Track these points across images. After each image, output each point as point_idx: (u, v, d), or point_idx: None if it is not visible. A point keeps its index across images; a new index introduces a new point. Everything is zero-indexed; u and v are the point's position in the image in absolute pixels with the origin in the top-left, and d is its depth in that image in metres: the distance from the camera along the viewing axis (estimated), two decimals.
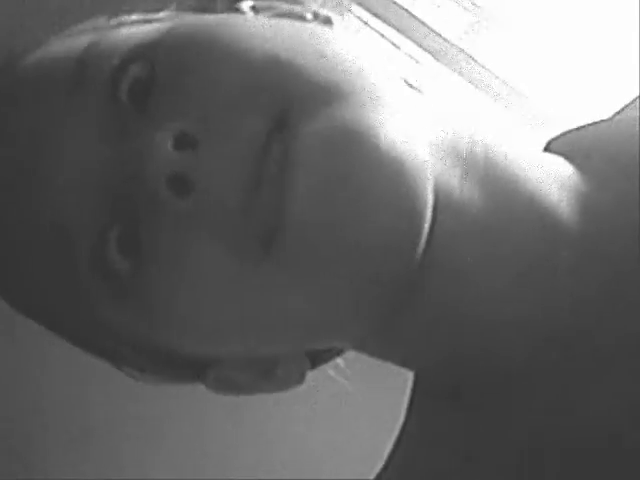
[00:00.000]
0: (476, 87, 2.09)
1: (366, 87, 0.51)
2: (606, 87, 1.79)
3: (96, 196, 0.50)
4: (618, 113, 0.63)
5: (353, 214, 0.48)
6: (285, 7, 0.59)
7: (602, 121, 0.61)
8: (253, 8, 0.59)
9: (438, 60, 2.09)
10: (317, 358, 0.59)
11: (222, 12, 0.58)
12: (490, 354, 0.53)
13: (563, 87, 1.89)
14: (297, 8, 0.59)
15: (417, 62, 2.10)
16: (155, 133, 0.48)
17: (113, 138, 0.50)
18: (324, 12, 0.59)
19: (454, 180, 0.52)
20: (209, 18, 0.55)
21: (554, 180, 0.55)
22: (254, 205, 0.48)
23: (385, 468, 0.57)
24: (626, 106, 0.63)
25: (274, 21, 0.56)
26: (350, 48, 0.54)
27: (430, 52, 2.09)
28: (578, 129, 0.61)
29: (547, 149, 0.61)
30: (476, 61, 2.10)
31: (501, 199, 0.53)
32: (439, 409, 0.56)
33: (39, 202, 0.51)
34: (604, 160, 0.57)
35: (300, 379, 0.58)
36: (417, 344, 0.55)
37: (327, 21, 0.58)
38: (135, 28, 0.55)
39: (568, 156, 0.58)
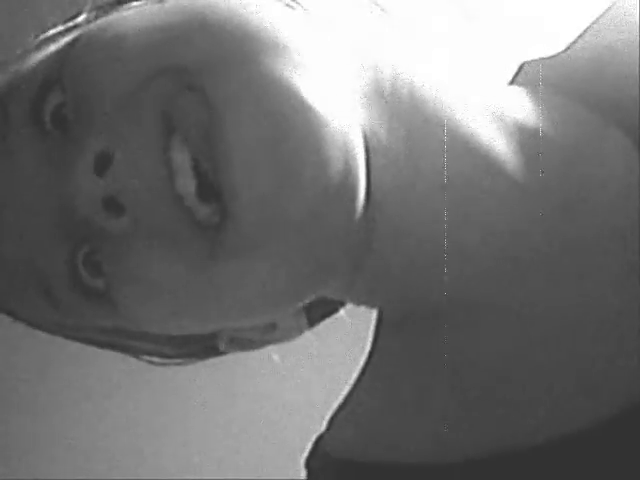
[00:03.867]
0: None
1: (268, 44, 0.50)
2: None
3: (51, 231, 0.51)
4: (574, 42, 0.63)
5: (292, 183, 0.48)
6: None
7: (563, 51, 0.62)
8: None
9: None
10: (315, 310, 0.62)
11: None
12: (438, 283, 0.55)
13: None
14: None
15: None
16: (76, 162, 0.49)
17: (49, 170, 0.51)
18: None
19: (380, 122, 0.52)
20: (100, 23, 0.54)
21: (490, 115, 0.55)
22: (186, 209, 0.49)
23: (350, 394, 0.60)
24: (581, 34, 0.63)
25: (154, 4, 0.55)
26: (243, 5, 0.52)
27: None
28: (541, 60, 0.62)
29: (515, 77, 0.62)
30: None
31: (426, 136, 0.53)
32: (396, 340, 0.59)
33: (8, 249, 0.53)
34: (561, 92, 0.58)
35: (300, 330, 0.61)
36: (378, 282, 0.56)
37: None
38: (55, 44, 0.55)
39: (529, 87, 0.59)
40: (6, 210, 0.53)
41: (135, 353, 0.63)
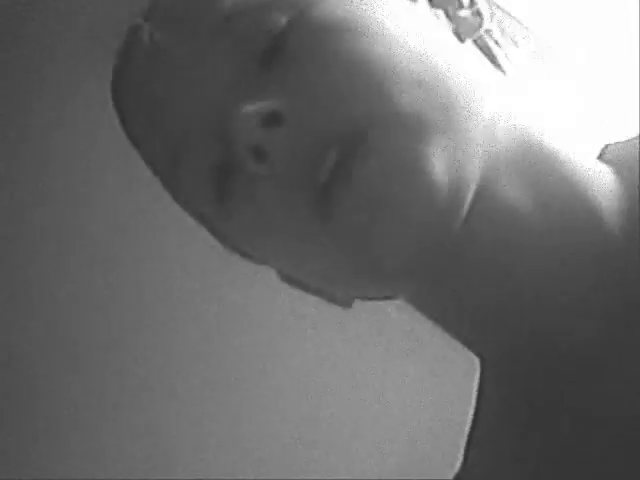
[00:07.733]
0: None
1: (445, 122, 0.54)
2: (611, 22, 1.80)
3: (210, 134, 0.58)
4: None
5: (401, 197, 0.53)
6: None
7: None
8: None
9: None
10: None
11: None
12: (548, 338, 0.57)
13: (567, 18, 1.90)
14: None
15: None
16: (255, 100, 0.55)
17: (236, 91, 0.57)
18: None
19: (496, 174, 0.56)
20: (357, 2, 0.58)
21: (599, 186, 0.58)
22: (319, 174, 0.54)
23: (464, 464, 0.62)
24: None
25: (410, 20, 0.59)
26: (451, 68, 0.56)
27: None
28: (627, 141, 0.64)
29: (600, 156, 0.63)
30: None
31: (547, 198, 0.56)
32: (494, 388, 0.61)
33: (175, 119, 0.59)
34: None
35: (348, 305, 0.66)
36: (473, 320, 0.59)
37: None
38: None
39: (616, 167, 0.61)
40: (187, 96, 0.59)
41: (224, 241, 0.66)
